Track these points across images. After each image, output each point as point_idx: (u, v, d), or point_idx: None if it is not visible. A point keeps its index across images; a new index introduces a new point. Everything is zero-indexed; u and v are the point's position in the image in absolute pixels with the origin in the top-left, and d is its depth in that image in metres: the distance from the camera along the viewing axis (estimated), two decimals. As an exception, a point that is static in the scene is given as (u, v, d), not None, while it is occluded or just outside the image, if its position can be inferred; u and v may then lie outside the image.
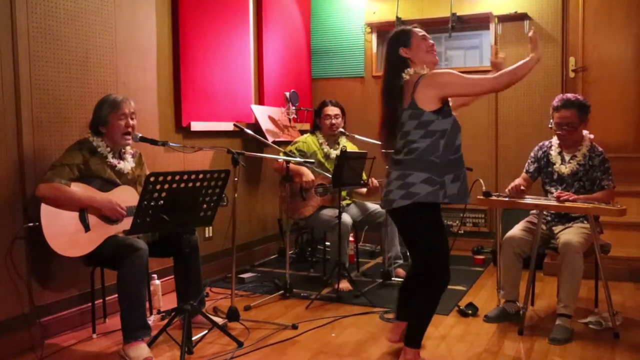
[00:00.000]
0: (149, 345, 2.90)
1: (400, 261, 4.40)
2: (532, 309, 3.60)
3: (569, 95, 3.40)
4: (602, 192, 3.31)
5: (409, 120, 2.57)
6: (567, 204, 3.11)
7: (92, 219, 2.95)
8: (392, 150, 2.70)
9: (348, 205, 4.38)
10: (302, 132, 5.08)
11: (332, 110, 4.35)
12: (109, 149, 3.07)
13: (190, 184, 2.79)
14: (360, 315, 3.53)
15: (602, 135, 4.08)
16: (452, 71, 2.58)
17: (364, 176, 4.16)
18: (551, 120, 3.43)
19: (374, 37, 5.69)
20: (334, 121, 4.33)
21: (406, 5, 5.48)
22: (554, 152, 3.48)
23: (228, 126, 4.48)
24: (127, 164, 3.15)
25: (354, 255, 4.68)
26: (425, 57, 2.63)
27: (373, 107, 5.80)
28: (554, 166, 3.46)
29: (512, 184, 3.32)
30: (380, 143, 2.80)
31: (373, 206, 4.33)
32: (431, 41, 2.66)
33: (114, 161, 3.09)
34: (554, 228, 3.45)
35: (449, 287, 2.74)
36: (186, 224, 2.94)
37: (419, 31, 2.67)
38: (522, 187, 3.30)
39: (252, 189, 5.01)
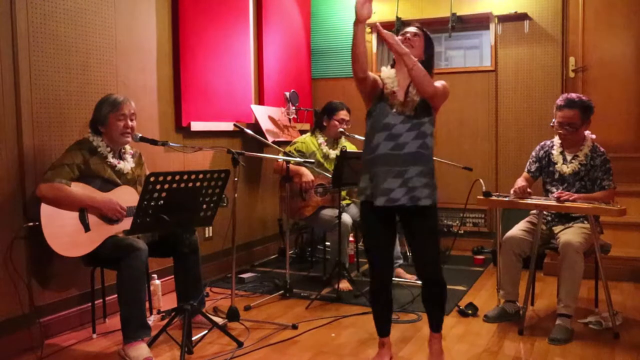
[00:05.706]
0: (149, 345, 2.90)
1: (400, 261, 4.39)
2: (532, 309, 3.60)
3: (573, 95, 3.37)
4: (602, 192, 3.30)
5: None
6: (567, 204, 3.11)
7: (92, 219, 2.95)
8: None
9: (348, 205, 4.37)
10: (302, 132, 5.08)
11: (345, 114, 4.34)
12: (108, 148, 3.07)
13: (190, 184, 2.79)
14: (360, 315, 3.53)
15: (602, 135, 4.07)
16: None
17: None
18: (553, 119, 3.42)
19: (374, 37, 5.69)
20: (345, 126, 4.33)
21: (406, 5, 5.49)
22: (555, 152, 3.47)
23: (228, 126, 4.48)
24: (127, 164, 3.15)
25: (354, 255, 4.68)
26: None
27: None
28: (556, 166, 3.45)
29: (518, 186, 3.29)
30: None
31: (373, 206, 4.32)
32: (408, 35, 2.62)
33: (114, 161, 3.09)
34: (554, 228, 3.45)
35: (449, 286, 2.75)
36: (186, 224, 2.95)
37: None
38: (528, 190, 3.28)
39: (252, 189, 5.01)
